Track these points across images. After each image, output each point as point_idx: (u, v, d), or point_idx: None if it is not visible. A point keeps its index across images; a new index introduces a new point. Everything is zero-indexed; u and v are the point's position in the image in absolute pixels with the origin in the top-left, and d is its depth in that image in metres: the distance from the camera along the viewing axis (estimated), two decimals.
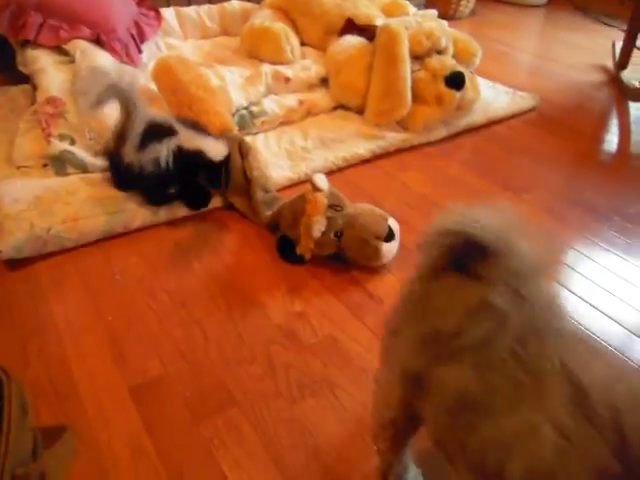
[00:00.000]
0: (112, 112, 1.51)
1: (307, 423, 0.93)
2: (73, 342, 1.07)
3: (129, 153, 1.34)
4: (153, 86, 1.70)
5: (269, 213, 1.35)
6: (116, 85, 1.31)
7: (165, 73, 1.64)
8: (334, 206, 1.25)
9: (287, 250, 1.28)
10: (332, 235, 1.24)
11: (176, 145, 1.33)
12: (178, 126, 1.35)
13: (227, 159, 1.38)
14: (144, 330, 1.10)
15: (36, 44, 1.72)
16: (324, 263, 1.28)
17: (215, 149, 1.35)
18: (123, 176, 1.40)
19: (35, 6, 1.71)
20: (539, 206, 1.53)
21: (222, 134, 1.47)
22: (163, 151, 1.32)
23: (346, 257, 1.27)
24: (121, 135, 1.35)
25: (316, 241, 1.23)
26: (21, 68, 1.80)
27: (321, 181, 1.25)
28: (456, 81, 1.79)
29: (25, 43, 1.75)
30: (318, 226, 1.21)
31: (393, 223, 1.28)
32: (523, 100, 2.10)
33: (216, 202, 1.46)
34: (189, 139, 1.35)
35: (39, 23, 1.71)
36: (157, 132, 1.33)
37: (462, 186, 1.61)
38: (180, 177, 1.37)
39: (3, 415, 0.50)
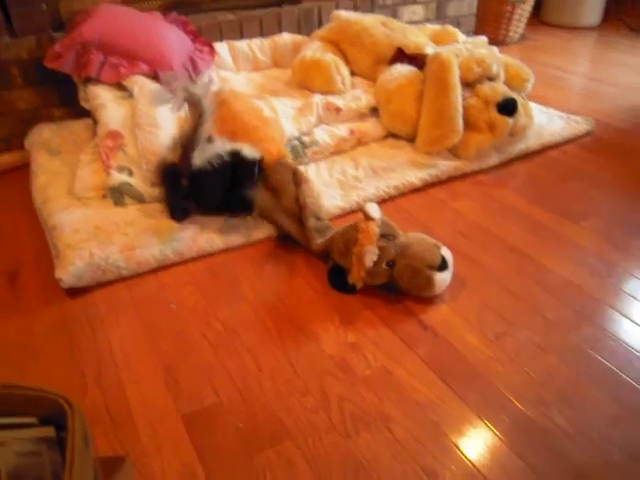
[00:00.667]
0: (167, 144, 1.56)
1: (361, 458, 0.91)
2: (129, 369, 1.09)
3: (196, 158, 1.38)
4: None
5: (321, 241, 1.35)
6: (189, 89, 1.35)
7: (219, 105, 1.68)
8: (386, 235, 1.25)
9: (338, 279, 1.28)
10: (384, 264, 1.23)
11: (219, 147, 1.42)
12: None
13: (260, 162, 1.45)
14: (198, 359, 1.11)
15: (97, 81, 1.80)
16: (377, 293, 1.27)
17: (249, 150, 1.44)
18: (188, 191, 1.41)
19: (98, 45, 1.79)
20: (598, 234, 1.48)
21: (277, 161, 1.49)
22: (219, 149, 1.40)
23: (399, 287, 1.25)
24: (191, 141, 1.38)
25: (368, 270, 1.22)
26: (83, 103, 1.88)
27: (373, 210, 1.25)
28: (508, 107, 1.77)
29: (87, 80, 1.83)
30: (370, 255, 1.20)
31: (446, 252, 1.26)
32: (578, 124, 2.06)
33: (269, 231, 1.47)
34: (226, 143, 1.44)
35: (101, 61, 1.79)
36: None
37: (517, 214, 1.57)
38: (225, 178, 1.43)
39: (67, 446, 0.50)
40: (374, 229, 1.22)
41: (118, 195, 1.52)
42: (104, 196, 1.56)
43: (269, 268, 1.37)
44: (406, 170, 1.71)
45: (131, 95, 1.74)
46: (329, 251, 1.33)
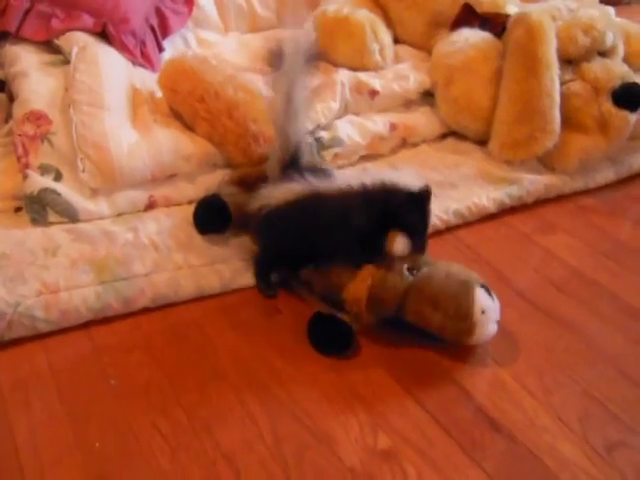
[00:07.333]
0: (116, 132, 1.56)
1: None
2: (41, 478, 1.06)
3: None
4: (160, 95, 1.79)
5: None
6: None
7: (184, 76, 1.69)
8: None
9: (323, 333, 1.31)
10: (405, 267, 1.30)
11: None
12: None
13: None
14: (147, 465, 1.08)
15: (18, 38, 1.81)
16: (416, 368, 1.25)
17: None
18: None
19: None
20: None
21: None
22: None
23: (414, 315, 1.28)
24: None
25: (379, 278, 1.28)
26: None
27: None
28: (630, 97, 1.76)
29: (3, 36, 1.84)
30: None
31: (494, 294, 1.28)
32: None
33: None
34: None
35: (24, 9, 1.80)
36: None
37: None
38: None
39: None
40: None
41: (38, 209, 1.51)
42: (18, 209, 1.55)
43: (260, 329, 1.36)
44: (474, 187, 1.70)
45: (66, 60, 1.74)
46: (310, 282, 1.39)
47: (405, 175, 1.32)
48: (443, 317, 1.25)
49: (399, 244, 1.28)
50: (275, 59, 1.39)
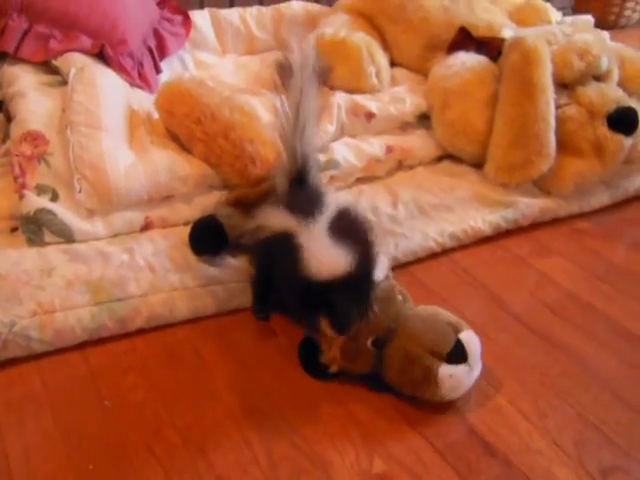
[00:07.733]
0: (113, 153, 1.56)
1: None
2: None
3: None
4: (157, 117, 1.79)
5: None
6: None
7: (180, 99, 1.70)
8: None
9: (310, 358, 1.30)
10: (369, 342, 1.23)
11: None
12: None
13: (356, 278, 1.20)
14: None
15: (16, 58, 1.81)
16: (420, 401, 1.23)
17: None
18: None
19: (19, 7, 1.81)
20: None
21: (277, 170, 1.51)
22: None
23: (387, 380, 1.25)
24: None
25: (344, 348, 1.23)
26: None
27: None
28: (625, 121, 1.77)
29: (1, 56, 1.85)
30: None
31: (470, 339, 1.23)
32: None
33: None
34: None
35: (23, 30, 1.80)
36: None
37: (636, 283, 1.55)
38: None
39: None
40: None
41: (35, 229, 1.51)
42: (14, 229, 1.55)
43: (255, 351, 1.35)
44: (469, 210, 1.71)
45: (64, 81, 1.75)
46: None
47: (331, 255, 1.19)
48: (413, 391, 1.22)
49: (325, 327, 1.21)
50: (284, 71, 1.38)
